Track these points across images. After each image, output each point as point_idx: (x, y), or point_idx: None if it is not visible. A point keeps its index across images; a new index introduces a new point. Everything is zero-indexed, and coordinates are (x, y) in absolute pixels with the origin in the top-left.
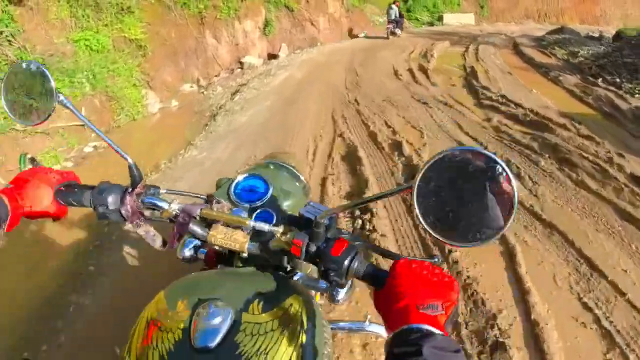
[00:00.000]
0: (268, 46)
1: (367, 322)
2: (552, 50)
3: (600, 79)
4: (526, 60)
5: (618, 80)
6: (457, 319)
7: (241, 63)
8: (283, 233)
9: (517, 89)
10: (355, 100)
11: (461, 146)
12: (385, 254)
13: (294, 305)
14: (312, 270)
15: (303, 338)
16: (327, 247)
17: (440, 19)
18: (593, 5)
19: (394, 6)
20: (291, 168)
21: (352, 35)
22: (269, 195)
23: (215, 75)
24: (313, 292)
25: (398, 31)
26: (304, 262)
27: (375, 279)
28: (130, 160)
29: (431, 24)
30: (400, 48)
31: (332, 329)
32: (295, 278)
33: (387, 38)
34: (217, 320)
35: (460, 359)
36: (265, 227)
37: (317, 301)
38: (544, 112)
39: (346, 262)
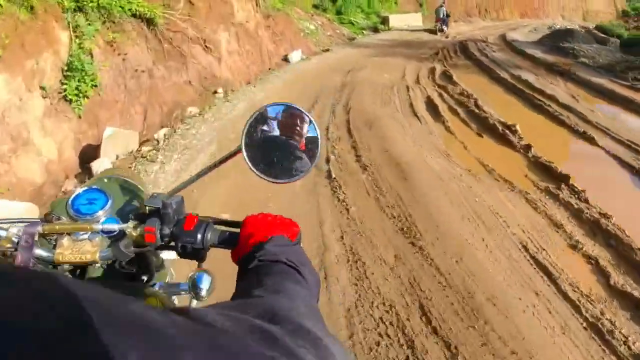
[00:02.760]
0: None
1: None
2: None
3: None
4: None
5: None
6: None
7: None
8: (134, 228)
9: None
10: None
11: (274, 102)
12: (229, 223)
13: None
14: (169, 278)
15: None
16: (179, 225)
17: (385, 21)
18: None
19: (443, 6)
20: (131, 181)
21: (283, 59)
22: (109, 204)
23: None
24: (176, 298)
25: (445, 28)
26: (162, 271)
27: (229, 240)
28: None
29: (375, 29)
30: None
31: None
32: (155, 287)
33: (436, 33)
34: None
35: (298, 249)
36: (114, 226)
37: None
38: None
39: (200, 233)
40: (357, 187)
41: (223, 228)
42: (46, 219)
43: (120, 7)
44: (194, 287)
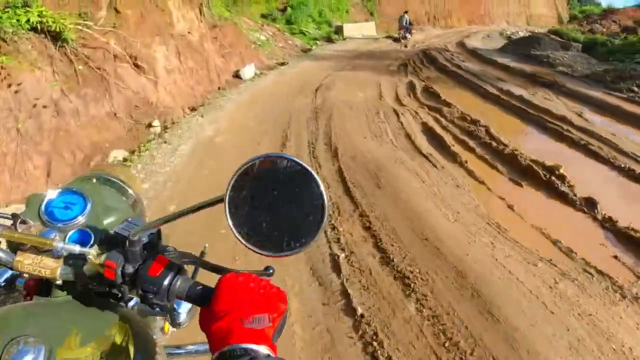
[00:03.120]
0: None
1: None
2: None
3: None
4: None
5: None
6: (284, 326)
7: None
8: (98, 255)
9: None
10: None
11: (271, 153)
12: (215, 269)
13: (118, 334)
14: None
15: None
16: (144, 268)
17: (339, 31)
18: (477, 5)
19: (405, 15)
20: (118, 181)
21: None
22: (86, 212)
23: None
24: (157, 318)
25: (409, 36)
26: None
27: (201, 297)
28: None
29: (329, 39)
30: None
31: (170, 354)
32: (131, 304)
33: (399, 41)
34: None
35: None
36: (75, 249)
37: (168, 328)
38: None
39: (165, 282)
40: (410, 339)
41: (198, 278)
42: (13, 219)
43: (15, 19)
44: (172, 311)
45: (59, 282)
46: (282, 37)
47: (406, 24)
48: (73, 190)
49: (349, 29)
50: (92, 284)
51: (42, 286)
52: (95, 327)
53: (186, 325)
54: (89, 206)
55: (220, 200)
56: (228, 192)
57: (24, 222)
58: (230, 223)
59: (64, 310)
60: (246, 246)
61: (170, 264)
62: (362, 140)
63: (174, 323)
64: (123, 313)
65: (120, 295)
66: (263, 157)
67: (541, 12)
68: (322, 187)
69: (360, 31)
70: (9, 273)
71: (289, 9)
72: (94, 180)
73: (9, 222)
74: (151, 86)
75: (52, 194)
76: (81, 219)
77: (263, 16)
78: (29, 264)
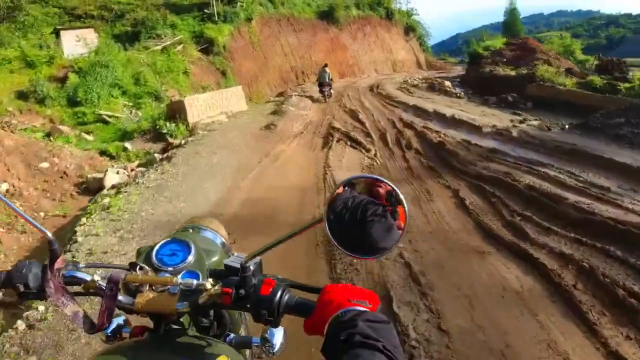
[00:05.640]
0: None
1: None
2: None
3: None
4: None
5: None
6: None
7: None
8: (211, 285)
9: None
10: None
11: (359, 174)
12: (309, 289)
13: None
14: (243, 330)
15: None
16: (256, 289)
17: (177, 113)
18: (343, 54)
19: (327, 69)
20: (210, 230)
21: None
22: (191, 257)
23: None
24: (248, 351)
25: (332, 92)
26: (234, 323)
27: (304, 308)
28: (49, 235)
29: (160, 137)
30: None
31: None
32: (227, 340)
33: (325, 101)
34: None
35: (392, 329)
36: (193, 282)
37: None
38: None
39: (276, 299)
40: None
41: (299, 293)
42: (131, 267)
43: None
44: (265, 341)
45: (174, 317)
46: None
47: (328, 79)
48: (176, 239)
49: (197, 108)
50: (202, 318)
51: (152, 322)
52: None
53: (279, 354)
54: (192, 251)
55: (319, 221)
56: (326, 214)
57: (141, 267)
58: (332, 239)
59: (173, 346)
60: (345, 253)
61: (277, 285)
62: None
63: (269, 352)
64: (224, 348)
65: (219, 332)
66: (352, 178)
67: (403, 57)
68: (405, 203)
69: (221, 107)
70: (115, 324)
71: (71, 76)
72: (191, 230)
73: (122, 271)
74: None
75: (159, 244)
76: (188, 262)
77: (21, 96)
78: (149, 302)
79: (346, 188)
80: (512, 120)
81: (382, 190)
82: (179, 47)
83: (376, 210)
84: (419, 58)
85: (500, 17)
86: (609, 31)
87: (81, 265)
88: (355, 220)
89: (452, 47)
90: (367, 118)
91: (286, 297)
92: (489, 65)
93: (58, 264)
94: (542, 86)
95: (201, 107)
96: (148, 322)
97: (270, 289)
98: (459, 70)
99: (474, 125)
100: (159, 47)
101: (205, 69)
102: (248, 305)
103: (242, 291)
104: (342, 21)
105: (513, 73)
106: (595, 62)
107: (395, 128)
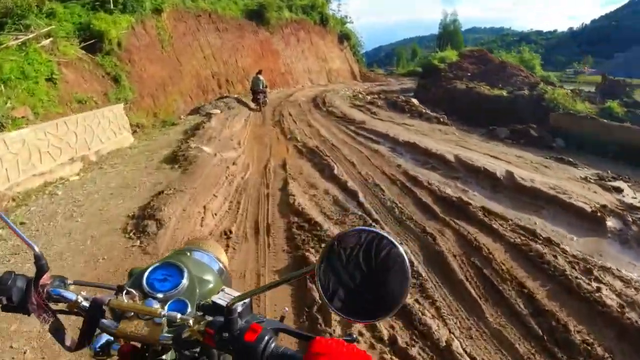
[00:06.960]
0: None
1: None
2: None
3: None
4: None
5: None
6: None
7: None
8: (196, 322)
9: None
10: None
11: (358, 227)
12: (300, 335)
13: None
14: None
15: None
16: (240, 334)
17: None
18: (275, 62)
19: (260, 76)
20: (208, 254)
21: None
22: (182, 283)
23: None
24: None
25: (267, 100)
26: (224, 355)
27: None
28: (36, 249)
29: None
30: None
31: None
32: None
33: (259, 110)
34: None
35: None
36: (177, 316)
37: None
38: None
39: (260, 347)
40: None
41: (286, 345)
42: (118, 290)
43: None
44: None
45: (158, 347)
46: None
47: (262, 86)
48: (170, 264)
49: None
50: (187, 351)
51: (135, 354)
52: None
53: None
54: (185, 278)
55: (310, 271)
56: (318, 264)
57: (128, 292)
58: (322, 292)
59: None
60: (337, 314)
61: (263, 331)
62: None
63: None
64: None
65: None
66: (354, 231)
67: (338, 66)
68: (407, 260)
69: (74, 147)
70: (104, 339)
71: None
72: (188, 254)
73: (110, 292)
74: None
75: (152, 267)
76: (179, 290)
77: None
78: (132, 330)
79: (340, 241)
80: (606, 188)
81: (380, 244)
82: (45, 42)
83: (377, 263)
84: (354, 68)
85: (425, 31)
86: (521, 47)
87: (69, 282)
88: (351, 277)
89: (375, 58)
90: (347, 173)
91: (272, 347)
92: (455, 81)
93: (44, 280)
94: (571, 116)
95: (12, 159)
96: None
97: (256, 336)
98: (394, 82)
99: (573, 205)
100: (16, 43)
101: (88, 75)
102: (231, 348)
103: (225, 334)
104: (273, 23)
105: (504, 93)
106: (600, 83)
107: (421, 208)
